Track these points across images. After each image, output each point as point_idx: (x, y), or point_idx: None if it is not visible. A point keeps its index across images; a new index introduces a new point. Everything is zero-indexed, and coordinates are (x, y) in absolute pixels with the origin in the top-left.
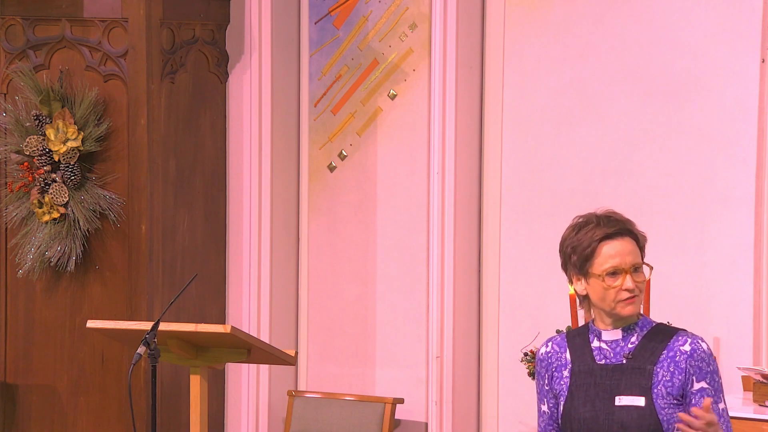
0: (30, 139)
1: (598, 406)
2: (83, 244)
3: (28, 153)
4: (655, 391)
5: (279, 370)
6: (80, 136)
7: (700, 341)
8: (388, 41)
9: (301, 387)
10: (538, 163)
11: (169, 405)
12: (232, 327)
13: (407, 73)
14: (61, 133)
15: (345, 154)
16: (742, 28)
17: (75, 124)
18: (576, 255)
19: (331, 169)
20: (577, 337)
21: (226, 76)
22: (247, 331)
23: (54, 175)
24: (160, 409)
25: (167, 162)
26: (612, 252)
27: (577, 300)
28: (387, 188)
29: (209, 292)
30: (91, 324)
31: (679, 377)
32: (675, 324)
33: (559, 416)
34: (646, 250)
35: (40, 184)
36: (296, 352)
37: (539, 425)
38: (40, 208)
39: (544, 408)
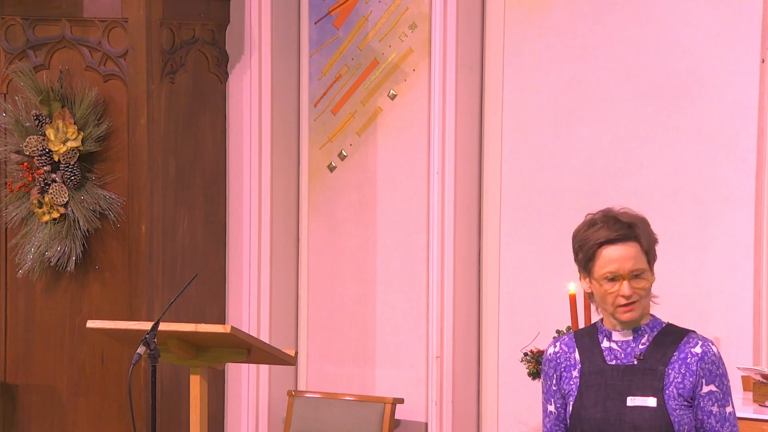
0: (30, 139)
1: (609, 407)
2: (83, 244)
3: (28, 153)
4: (667, 392)
5: (279, 370)
6: (80, 136)
7: (710, 344)
8: (388, 41)
9: (301, 387)
10: (538, 163)
11: (169, 405)
12: (232, 327)
13: (407, 73)
14: (61, 133)
15: (345, 154)
16: (742, 28)
17: (75, 124)
18: (582, 253)
19: (331, 169)
20: (586, 337)
21: (226, 76)
22: (247, 331)
23: (54, 175)
24: (160, 409)
25: (167, 162)
26: (611, 257)
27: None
28: (387, 188)
29: (209, 292)
30: (91, 324)
31: (690, 379)
32: (675, 324)
33: (568, 416)
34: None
35: (40, 184)
36: (296, 352)
37: (545, 425)
38: (40, 208)
39: (551, 408)
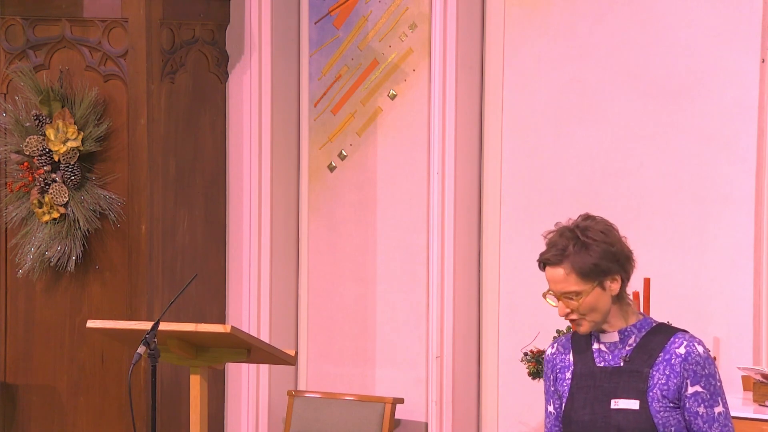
0: (30, 139)
1: (596, 409)
2: (83, 244)
3: (28, 153)
4: (651, 394)
5: (279, 370)
6: (80, 136)
7: (696, 344)
8: (388, 41)
9: (301, 387)
10: (538, 163)
11: (169, 405)
12: (232, 327)
13: (407, 73)
14: (61, 133)
15: (345, 154)
16: (742, 28)
17: (75, 124)
18: None
19: (331, 169)
20: (581, 339)
21: (226, 76)
22: (247, 331)
23: (54, 175)
24: (160, 409)
25: (167, 162)
26: (548, 276)
27: None
28: (387, 188)
29: (209, 292)
30: (91, 324)
31: (675, 380)
32: (675, 324)
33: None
34: (643, 252)
35: (40, 184)
36: (296, 352)
37: (546, 425)
38: (40, 208)
39: (550, 408)
